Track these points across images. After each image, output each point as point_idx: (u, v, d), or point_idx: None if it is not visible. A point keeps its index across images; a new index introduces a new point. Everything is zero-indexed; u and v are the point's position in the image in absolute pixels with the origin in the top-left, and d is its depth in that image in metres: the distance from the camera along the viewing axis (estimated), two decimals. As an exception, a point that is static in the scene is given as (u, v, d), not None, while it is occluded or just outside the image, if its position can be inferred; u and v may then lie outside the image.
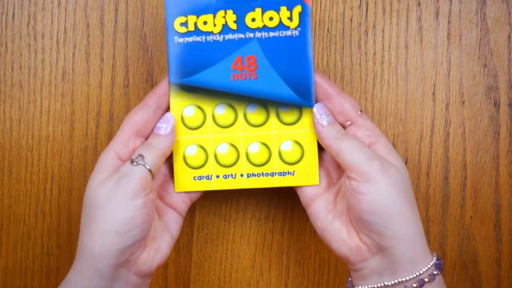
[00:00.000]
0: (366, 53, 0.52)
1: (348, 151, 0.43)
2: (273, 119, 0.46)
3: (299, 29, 0.45)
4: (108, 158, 0.43)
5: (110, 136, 0.52)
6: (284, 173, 0.47)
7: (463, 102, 0.52)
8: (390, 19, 0.52)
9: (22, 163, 0.52)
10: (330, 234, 0.44)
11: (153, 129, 0.45)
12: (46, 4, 0.52)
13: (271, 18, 0.45)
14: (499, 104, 0.52)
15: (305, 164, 0.46)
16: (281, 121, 0.46)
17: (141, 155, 0.43)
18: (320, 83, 0.45)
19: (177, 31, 0.45)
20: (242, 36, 0.45)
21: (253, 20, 0.45)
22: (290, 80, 0.45)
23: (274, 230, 0.53)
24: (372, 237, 0.42)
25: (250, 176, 0.47)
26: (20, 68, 0.52)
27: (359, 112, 0.45)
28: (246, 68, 0.45)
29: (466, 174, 0.52)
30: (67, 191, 0.52)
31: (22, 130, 0.52)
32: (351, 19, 0.52)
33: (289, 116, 0.46)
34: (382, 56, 0.52)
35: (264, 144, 0.46)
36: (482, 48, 0.52)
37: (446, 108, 0.52)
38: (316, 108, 0.45)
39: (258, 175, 0.47)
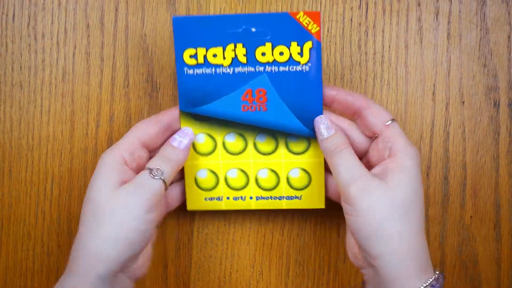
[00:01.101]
0: (366, 53, 0.52)
1: (336, 168, 0.43)
2: (282, 148, 0.47)
3: (309, 64, 0.45)
4: (115, 162, 0.44)
5: (110, 136, 0.52)
6: (292, 197, 0.48)
7: (463, 102, 0.52)
8: (390, 19, 0.52)
9: (22, 163, 0.52)
10: (346, 237, 0.46)
11: (158, 145, 0.46)
12: (46, 5, 0.52)
13: (281, 53, 0.45)
14: (499, 104, 0.52)
15: (312, 190, 0.48)
16: (290, 151, 0.47)
17: (159, 169, 0.43)
18: (351, 100, 0.45)
19: (186, 63, 0.46)
20: (252, 69, 0.46)
21: (263, 54, 0.45)
22: (300, 112, 0.46)
23: (274, 230, 0.53)
24: (362, 251, 0.43)
25: (259, 198, 0.48)
26: (21, 68, 0.52)
27: (387, 123, 0.44)
28: (256, 100, 0.46)
29: (466, 174, 0.52)
30: (67, 191, 0.53)
31: (22, 130, 0.52)
32: (351, 19, 0.52)
33: (297, 147, 0.47)
34: (382, 56, 0.52)
35: (272, 170, 0.48)
36: (482, 48, 0.52)
37: (446, 108, 0.52)
38: (317, 121, 0.46)
39: (267, 198, 0.48)
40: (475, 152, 0.52)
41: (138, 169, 0.45)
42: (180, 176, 0.49)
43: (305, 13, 0.45)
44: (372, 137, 0.46)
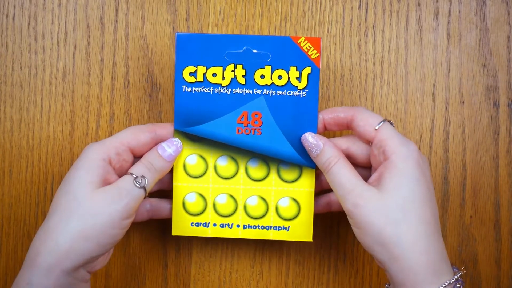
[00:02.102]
0: (366, 53, 0.52)
1: (331, 185, 0.44)
2: (273, 175, 0.47)
3: (306, 90, 0.46)
4: (100, 159, 0.43)
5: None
6: (279, 228, 0.48)
7: (463, 102, 0.52)
8: (390, 19, 0.52)
9: (22, 163, 0.52)
10: None
11: (143, 152, 0.46)
12: (47, 5, 0.52)
13: (280, 77, 0.46)
14: (498, 104, 0.52)
15: (300, 221, 0.47)
16: (281, 178, 0.47)
17: (144, 177, 0.43)
18: (337, 116, 0.45)
19: (185, 80, 0.46)
20: (249, 91, 0.46)
21: (262, 76, 0.46)
22: (294, 139, 0.46)
23: (274, 230, 0.53)
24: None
25: (246, 227, 0.48)
26: (21, 68, 0.52)
27: (377, 127, 0.44)
28: (251, 123, 0.46)
29: (466, 174, 0.52)
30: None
31: (22, 130, 0.52)
32: (351, 19, 0.52)
33: (289, 174, 0.47)
34: (382, 56, 0.52)
35: (262, 198, 0.47)
36: (482, 48, 0.52)
37: (446, 108, 0.52)
38: (303, 139, 0.46)
39: (254, 227, 0.48)
40: (475, 152, 0.52)
41: (120, 171, 0.45)
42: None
43: (306, 38, 0.45)
44: (370, 144, 0.45)
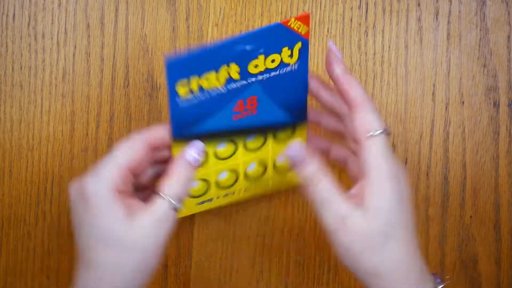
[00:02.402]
0: (366, 53, 0.52)
1: (312, 200, 0.42)
2: (269, 141, 0.47)
3: (298, 63, 0.44)
4: (109, 194, 0.40)
5: (110, 136, 0.52)
6: (278, 179, 0.49)
7: (463, 102, 0.52)
8: (390, 20, 0.52)
9: (22, 163, 0.52)
10: None
11: (144, 170, 0.44)
12: (47, 5, 0.52)
13: (273, 61, 0.44)
14: (498, 104, 0.52)
15: None
16: (276, 141, 0.47)
17: (179, 198, 0.41)
18: (342, 97, 0.43)
19: (179, 95, 0.42)
20: (244, 82, 0.44)
21: (256, 66, 0.44)
22: (286, 105, 0.46)
23: (274, 230, 0.53)
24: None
25: (247, 190, 0.49)
26: (21, 68, 0.52)
27: (368, 135, 0.41)
28: (247, 107, 0.45)
29: (466, 174, 0.52)
30: (67, 191, 0.52)
31: (22, 130, 0.52)
32: (351, 19, 0.52)
33: (284, 134, 0.47)
34: (382, 56, 0.52)
35: (260, 162, 0.48)
36: (482, 48, 0.52)
37: (446, 108, 0.52)
38: (290, 150, 0.43)
39: (254, 186, 0.49)
40: (475, 152, 0.52)
41: (127, 194, 0.42)
42: None
43: (296, 18, 0.43)
44: (353, 143, 0.43)
